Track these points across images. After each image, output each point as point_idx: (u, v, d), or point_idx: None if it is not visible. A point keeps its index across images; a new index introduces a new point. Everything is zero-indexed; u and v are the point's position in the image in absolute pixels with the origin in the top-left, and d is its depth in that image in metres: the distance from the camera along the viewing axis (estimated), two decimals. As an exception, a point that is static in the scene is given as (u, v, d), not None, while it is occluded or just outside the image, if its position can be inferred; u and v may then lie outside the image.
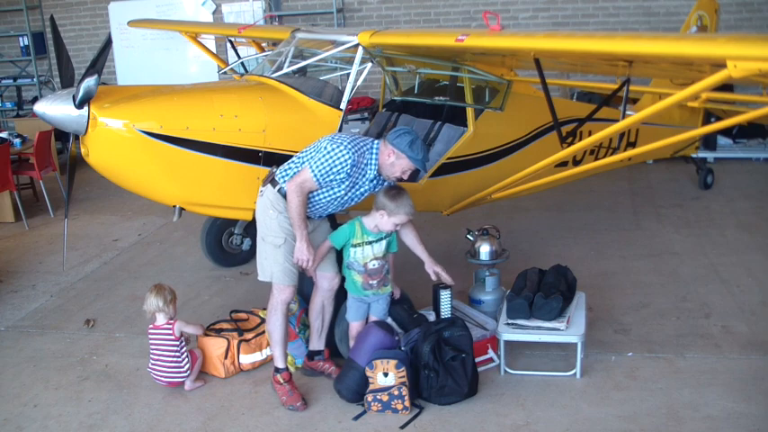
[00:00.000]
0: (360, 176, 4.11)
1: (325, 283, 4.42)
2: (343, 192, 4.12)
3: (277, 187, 4.15)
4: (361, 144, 4.07)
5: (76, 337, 5.32)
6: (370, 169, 4.12)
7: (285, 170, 4.18)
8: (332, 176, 3.99)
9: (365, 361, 4.15)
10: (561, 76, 8.33)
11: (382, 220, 4.22)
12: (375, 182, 4.21)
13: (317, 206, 4.20)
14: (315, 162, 4.00)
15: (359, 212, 4.45)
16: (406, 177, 4.20)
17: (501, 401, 4.22)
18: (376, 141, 4.15)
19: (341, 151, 3.96)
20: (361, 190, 4.20)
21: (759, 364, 4.53)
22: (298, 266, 4.17)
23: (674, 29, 9.55)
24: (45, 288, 6.30)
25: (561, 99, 7.91)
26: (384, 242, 4.33)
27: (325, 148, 4.00)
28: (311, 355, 4.60)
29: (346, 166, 3.97)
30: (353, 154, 3.98)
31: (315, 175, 3.99)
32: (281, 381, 4.26)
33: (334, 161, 3.96)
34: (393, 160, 4.08)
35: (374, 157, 4.10)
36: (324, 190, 4.10)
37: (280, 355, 4.28)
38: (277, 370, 4.29)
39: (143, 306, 4.53)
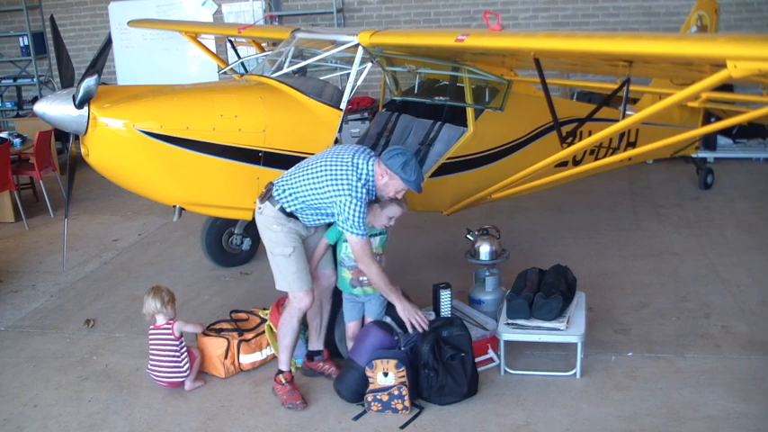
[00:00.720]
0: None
1: (324, 281, 4.43)
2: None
3: (277, 206, 4.13)
4: (363, 179, 4.03)
5: (76, 337, 5.32)
6: (372, 191, 4.15)
7: (283, 189, 4.13)
8: (363, 222, 4.03)
9: (365, 361, 4.15)
10: (561, 76, 8.33)
11: (376, 214, 4.24)
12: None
13: (319, 219, 4.21)
14: (347, 224, 4.00)
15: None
16: (400, 197, 4.20)
17: (501, 401, 4.22)
18: (371, 163, 4.08)
19: (355, 203, 3.98)
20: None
21: (759, 364, 4.53)
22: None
23: (674, 29, 9.55)
24: (45, 288, 6.30)
25: (561, 99, 7.91)
26: (377, 238, 4.35)
27: (343, 204, 3.99)
28: (311, 356, 4.60)
29: (365, 206, 4.03)
30: (364, 195, 4.01)
31: (359, 234, 4.02)
32: (283, 381, 4.27)
33: (357, 211, 3.98)
34: (386, 180, 4.08)
35: (372, 182, 4.10)
36: (327, 209, 4.11)
37: (285, 360, 4.29)
38: (280, 371, 4.30)
39: (142, 309, 4.53)
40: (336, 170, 4.03)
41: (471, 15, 10.68)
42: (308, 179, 4.08)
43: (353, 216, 3.98)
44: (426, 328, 4.23)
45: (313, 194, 4.05)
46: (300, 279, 4.16)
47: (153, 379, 4.51)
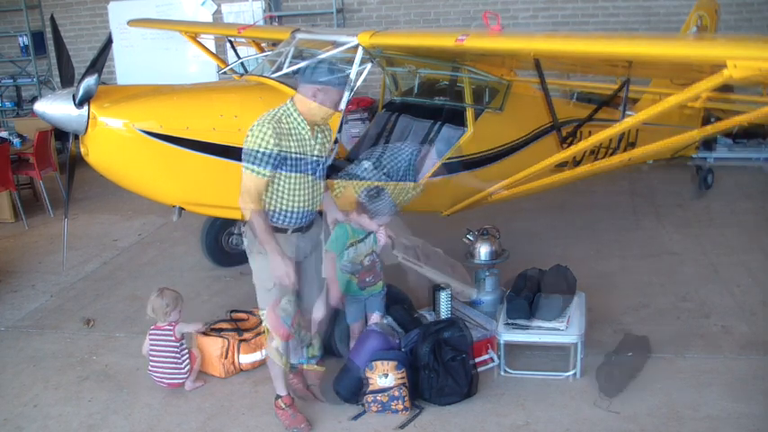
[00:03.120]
0: (298, 142, 3.76)
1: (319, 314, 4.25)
2: (294, 170, 3.75)
3: None
4: (274, 112, 3.75)
5: (76, 337, 5.32)
6: (302, 127, 3.78)
7: None
8: (264, 157, 3.63)
9: (363, 364, 4.15)
10: (561, 77, 8.32)
11: (365, 222, 4.27)
12: (319, 140, 3.88)
13: (289, 201, 3.81)
14: (243, 159, 3.68)
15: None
16: (318, 99, 3.74)
17: (501, 401, 4.22)
18: (290, 101, 3.81)
19: (254, 129, 3.65)
20: (314, 158, 3.83)
21: (759, 364, 4.53)
22: (278, 285, 3.84)
23: (674, 29, 9.54)
24: (45, 288, 6.30)
25: (561, 100, 7.89)
26: (371, 236, 4.38)
27: (245, 140, 3.70)
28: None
29: (267, 136, 3.62)
30: (268, 123, 3.65)
31: (250, 170, 3.64)
32: (282, 405, 4.11)
33: (255, 142, 3.63)
34: (321, 97, 3.74)
35: (294, 112, 3.76)
36: (280, 180, 3.75)
37: (280, 385, 4.11)
38: (278, 396, 4.14)
39: (147, 309, 4.51)
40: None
41: (471, 15, 10.67)
42: None
43: (250, 144, 3.62)
44: (290, 283, 3.79)
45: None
46: (261, 297, 3.98)
47: (153, 380, 4.51)
